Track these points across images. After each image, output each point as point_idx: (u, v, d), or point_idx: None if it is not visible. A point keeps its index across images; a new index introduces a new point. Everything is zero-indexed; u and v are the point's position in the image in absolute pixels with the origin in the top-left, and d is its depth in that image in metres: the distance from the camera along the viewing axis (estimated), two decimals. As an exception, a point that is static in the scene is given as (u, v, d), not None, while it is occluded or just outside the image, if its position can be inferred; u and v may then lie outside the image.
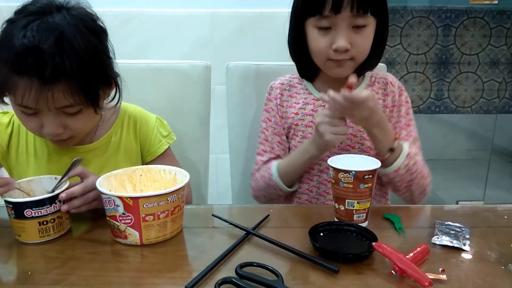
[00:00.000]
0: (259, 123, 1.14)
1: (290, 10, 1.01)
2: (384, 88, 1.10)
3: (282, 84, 1.13)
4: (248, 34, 1.86)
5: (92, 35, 0.81)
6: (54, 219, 0.74)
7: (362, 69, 1.04)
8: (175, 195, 0.74)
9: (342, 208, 0.80)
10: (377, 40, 1.00)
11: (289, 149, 1.12)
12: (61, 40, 0.75)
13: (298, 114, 1.09)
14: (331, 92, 0.87)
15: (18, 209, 0.72)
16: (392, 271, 0.64)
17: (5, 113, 0.97)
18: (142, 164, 1.03)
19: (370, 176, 0.78)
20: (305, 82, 1.12)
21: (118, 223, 0.73)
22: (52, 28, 0.75)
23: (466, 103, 2.66)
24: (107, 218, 0.75)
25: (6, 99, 0.83)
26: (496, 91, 2.65)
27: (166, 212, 0.73)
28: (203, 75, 1.21)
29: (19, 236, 0.74)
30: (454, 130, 2.71)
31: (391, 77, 1.12)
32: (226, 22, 1.85)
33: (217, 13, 1.85)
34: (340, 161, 0.81)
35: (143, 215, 0.71)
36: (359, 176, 0.77)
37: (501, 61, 2.58)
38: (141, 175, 0.86)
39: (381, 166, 0.84)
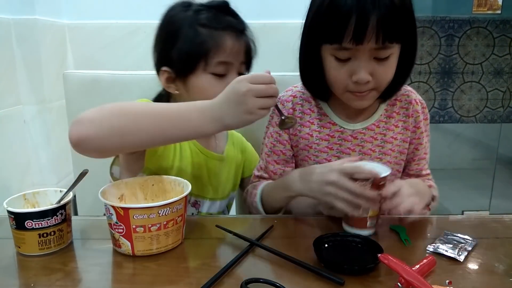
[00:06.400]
0: (263, 135, 1.07)
1: (302, 22, 0.89)
2: (406, 108, 1.01)
3: (294, 97, 1.01)
4: (252, 45, 1.87)
5: None
6: (54, 232, 0.73)
7: (386, 95, 0.96)
8: (168, 208, 0.72)
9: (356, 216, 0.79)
10: (404, 63, 0.90)
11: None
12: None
13: (313, 136, 0.99)
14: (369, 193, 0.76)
15: (19, 219, 0.72)
16: (398, 283, 0.63)
17: None
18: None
19: (384, 182, 0.78)
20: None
21: (113, 231, 0.73)
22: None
23: (470, 112, 2.65)
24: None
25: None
26: (500, 100, 2.64)
27: (158, 225, 0.72)
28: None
29: (19, 247, 0.74)
30: (459, 139, 2.70)
31: (414, 94, 1.03)
32: (230, 33, 1.87)
33: (221, 25, 1.86)
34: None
35: (134, 226, 0.71)
36: (376, 183, 0.77)
37: (505, 70, 2.58)
38: (153, 185, 0.86)
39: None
